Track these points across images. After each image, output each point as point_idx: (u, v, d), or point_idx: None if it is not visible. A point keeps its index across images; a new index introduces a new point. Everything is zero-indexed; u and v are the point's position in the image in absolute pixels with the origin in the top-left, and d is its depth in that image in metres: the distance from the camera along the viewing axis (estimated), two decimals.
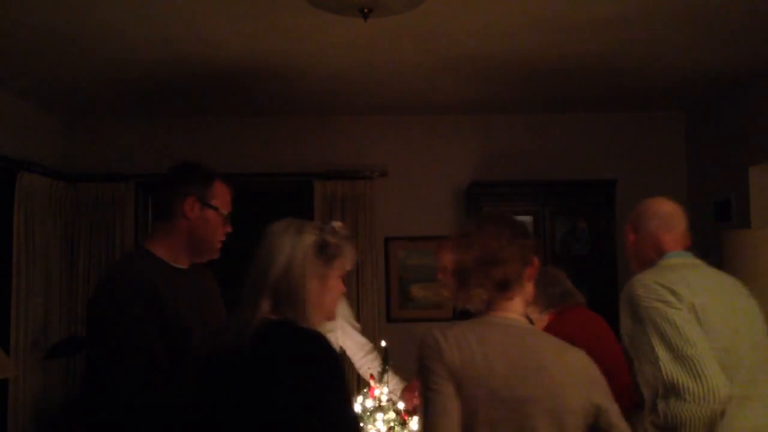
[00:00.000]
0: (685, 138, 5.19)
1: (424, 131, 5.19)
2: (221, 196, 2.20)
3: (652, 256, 2.30)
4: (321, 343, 1.62)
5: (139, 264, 2.12)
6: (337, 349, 3.01)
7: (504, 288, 1.74)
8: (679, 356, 1.98)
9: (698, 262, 2.30)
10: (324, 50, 3.67)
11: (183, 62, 3.84)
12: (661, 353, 2.01)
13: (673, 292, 2.09)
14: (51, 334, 4.66)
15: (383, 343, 3.00)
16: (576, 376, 1.68)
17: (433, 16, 3.16)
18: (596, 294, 4.21)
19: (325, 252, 1.71)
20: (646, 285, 2.13)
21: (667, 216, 2.34)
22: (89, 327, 2.07)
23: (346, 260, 1.77)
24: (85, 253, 4.91)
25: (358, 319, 3.67)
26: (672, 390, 1.96)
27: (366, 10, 2.84)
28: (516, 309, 1.77)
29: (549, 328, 2.88)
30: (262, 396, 1.56)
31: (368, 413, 2.65)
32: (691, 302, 2.08)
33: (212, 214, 2.16)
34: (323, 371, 1.58)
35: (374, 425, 2.59)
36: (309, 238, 1.69)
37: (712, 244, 4.49)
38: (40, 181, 4.62)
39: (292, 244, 1.67)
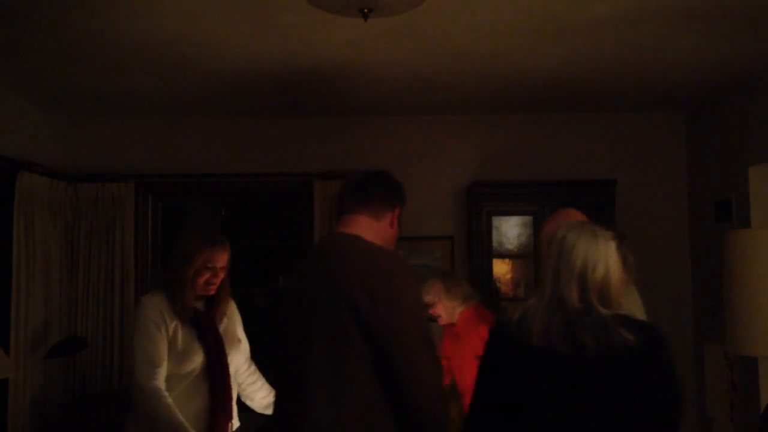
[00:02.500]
0: (685, 138, 5.19)
1: (424, 131, 5.19)
2: None
3: None
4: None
5: None
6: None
7: None
8: None
9: None
10: (324, 50, 3.67)
11: (183, 62, 3.84)
12: None
13: None
14: (51, 334, 4.66)
15: None
16: None
17: (433, 16, 3.16)
18: None
19: (626, 263, 1.86)
20: None
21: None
22: (398, 317, 1.92)
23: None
24: (85, 253, 4.91)
25: None
26: None
27: (366, 10, 2.84)
28: None
29: (478, 316, 3.61)
30: (654, 391, 1.71)
31: None
32: None
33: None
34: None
35: None
36: (614, 246, 1.83)
37: (712, 244, 4.50)
38: (40, 181, 4.62)
39: (606, 251, 1.81)
